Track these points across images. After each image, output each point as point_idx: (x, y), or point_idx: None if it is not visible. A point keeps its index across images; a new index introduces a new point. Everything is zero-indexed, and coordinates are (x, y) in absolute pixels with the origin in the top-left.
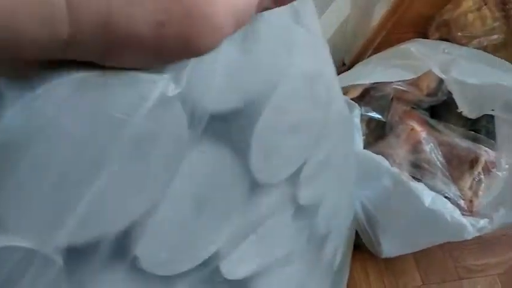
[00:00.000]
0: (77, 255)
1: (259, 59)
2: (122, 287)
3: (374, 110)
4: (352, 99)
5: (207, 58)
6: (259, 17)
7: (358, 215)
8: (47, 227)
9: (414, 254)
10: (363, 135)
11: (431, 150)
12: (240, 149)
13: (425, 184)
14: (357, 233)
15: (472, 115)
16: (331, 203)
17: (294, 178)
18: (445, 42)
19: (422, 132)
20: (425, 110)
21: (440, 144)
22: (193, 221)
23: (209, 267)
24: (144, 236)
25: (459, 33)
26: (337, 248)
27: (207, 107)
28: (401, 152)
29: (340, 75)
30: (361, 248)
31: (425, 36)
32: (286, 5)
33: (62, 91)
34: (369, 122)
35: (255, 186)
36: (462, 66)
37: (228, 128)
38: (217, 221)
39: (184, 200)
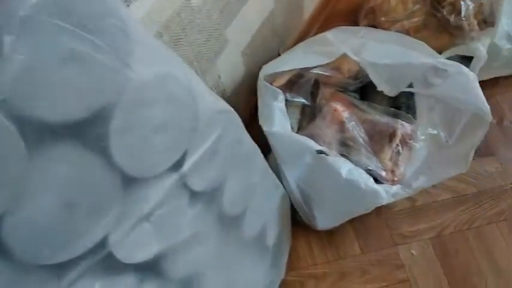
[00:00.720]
0: None
1: (95, 75)
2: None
3: (300, 95)
4: (278, 86)
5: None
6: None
7: (294, 193)
8: None
9: (353, 225)
10: (296, 120)
11: (353, 128)
12: (102, 151)
13: (352, 160)
14: (297, 210)
15: (391, 93)
16: (236, 185)
17: (178, 169)
18: (366, 28)
19: (344, 112)
20: (355, 92)
21: (363, 122)
22: (64, 215)
23: (100, 254)
24: (14, 229)
25: (383, 19)
26: (264, 225)
27: (43, 118)
28: (329, 131)
29: (264, 65)
30: (303, 224)
31: (356, 24)
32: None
33: None
34: (303, 108)
35: (130, 180)
36: (374, 49)
37: (84, 134)
38: (93, 214)
39: (49, 197)
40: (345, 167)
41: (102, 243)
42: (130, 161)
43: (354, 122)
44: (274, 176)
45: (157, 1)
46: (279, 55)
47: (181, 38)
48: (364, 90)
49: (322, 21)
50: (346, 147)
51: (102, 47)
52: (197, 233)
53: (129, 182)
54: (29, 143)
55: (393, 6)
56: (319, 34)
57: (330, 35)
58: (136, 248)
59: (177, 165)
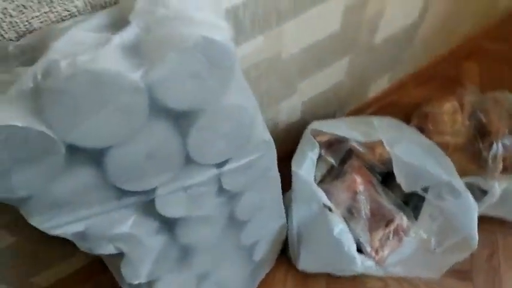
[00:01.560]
0: (74, 151)
1: (203, 91)
2: (93, 180)
3: (333, 156)
4: (318, 141)
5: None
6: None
7: (292, 230)
8: (66, 129)
9: (328, 280)
10: (321, 174)
11: (362, 202)
12: (184, 134)
13: (349, 226)
14: (288, 245)
15: (406, 189)
16: (252, 198)
17: (219, 167)
18: (410, 128)
19: (360, 186)
20: (379, 173)
21: (372, 200)
22: (143, 163)
23: (149, 197)
24: (113, 157)
25: (431, 127)
26: (258, 241)
27: (166, 103)
28: (342, 195)
29: (316, 120)
30: (288, 258)
31: (407, 119)
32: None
33: None
34: (331, 167)
35: (189, 161)
36: (407, 147)
37: (179, 120)
38: (157, 171)
39: (142, 146)
40: (338, 227)
41: (152, 191)
42: (198, 151)
43: (364, 197)
44: (283, 208)
45: (258, 47)
46: (333, 117)
47: (262, 77)
48: (386, 176)
49: (380, 106)
50: (349, 214)
51: (216, 77)
52: (211, 217)
53: (189, 161)
54: (151, 116)
55: (444, 120)
56: (370, 116)
57: (376, 121)
58: (169, 206)
59: (221, 165)
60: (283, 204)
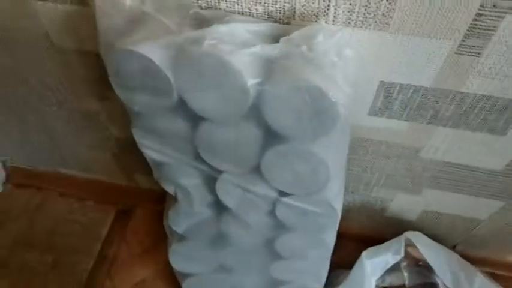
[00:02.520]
0: (183, 105)
1: (302, 127)
2: (184, 132)
3: (410, 275)
4: (409, 252)
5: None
6: None
7: None
8: (184, 85)
9: None
10: (390, 282)
11: None
12: (264, 148)
13: None
14: None
15: None
16: (295, 242)
17: (280, 195)
18: None
19: None
20: None
21: None
22: (222, 147)
23: (215, 174)
24: (204, 127)
25: None
26: (284, 283)
27: (263, 115)
28: None
29: (421, 235)
30: None
31: None
32: None
33: None
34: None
35: (258, 171)
36: None
37: (267, 134)
38: (230, 160)
39: (225, 136)
40: None
41: (219, 172)
42: (267, 169)
43: None
44: (323, 278)
45: (400, 131)
46: (452, 248)
47: (392, 159)
48: None
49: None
50: None
51: None
52: (253, 229)
53: (258, 171)
54: (248, 117)
55: None
56: (477, 271)
57: (479, 280)
58: (225, 192)
59: (282, 193)
60: (332, 277)
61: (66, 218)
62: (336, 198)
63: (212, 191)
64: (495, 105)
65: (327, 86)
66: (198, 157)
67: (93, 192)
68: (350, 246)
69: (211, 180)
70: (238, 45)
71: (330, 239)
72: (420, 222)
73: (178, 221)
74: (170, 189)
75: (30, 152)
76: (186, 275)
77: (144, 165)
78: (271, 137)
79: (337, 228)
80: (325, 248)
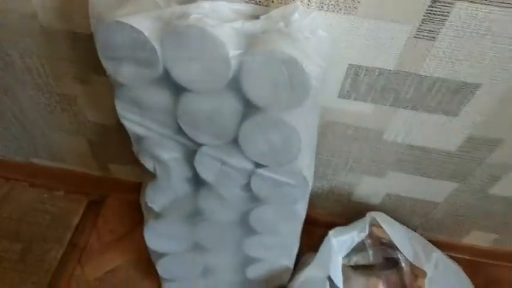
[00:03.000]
0: (167, 76)
1: (278, 97)
2: (166, 105)
3: (374, 252)
4: (373, 231)
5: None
6: None
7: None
8: (170, 57)
9: None
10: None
11: None
12: (242, 119)
13: None
14: None
15: None
16: (268, 215)
17: (256, 166)
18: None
19: None
20: None
21: None
22: (203, 119)
23: (195, 147)
24: (186, 98)
25: None
26: (257, 260)
27: (242, 87)
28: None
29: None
30: None
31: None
32: None
33: None
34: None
35: (236, 143)
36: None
37: (245, 106)
38: (209, 132)
39: (206, 107)
40: None
41: (199, 145)
42: (245, 140)
43: None
44: (294, 255)
45: (365, 113)
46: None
47: (358, 142)
48: None
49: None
50: None
51: None
52: (229, 203)
53: (236, 143)
54: (228, 88)
55: None
56: (434, 248)
57: (436, 255)
58: (203, 166)
59: (258, 165)
60: (302, 261)
61: (36, 207)
62: (307, 169)
63: (191, 165)
64: (449, 87)
65: (301, 58)
66: (178, 130)
67: (65, 183)
68: (318, 232)
69: (190, 154)
70: (222, 21)
71: (302, 210)
72: (383, 206)
73: (155, 198)
74: (149, 164)
75: (1, 142)
76: (161, 255)
77: (118, 154)
78: (248, 108)
79: (307, 200)
80: (297, 220)
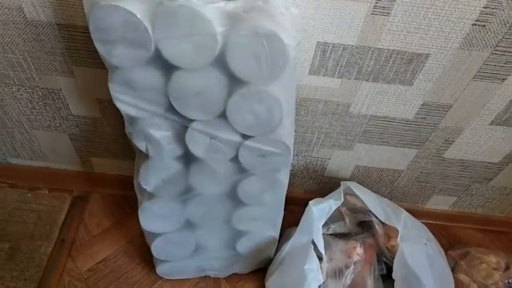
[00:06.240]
0: (158, 56)
1: (261, 69)
2: (157, 83)
3: (350, 219)
4: (348, 199)
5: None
6: None
7: (280, 253)
8: (161, 36)
9: None
10: (334, 228)
11: (349, 271)
12: (229, 93)
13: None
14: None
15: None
16: (255, 185)
17: (244, 138)
18: (436, 242)
19: (357, 256)
20: (385, 265)
21: (360, 277)
22: (193, 95)
23: (186, 123)
24: (177, 76)
25: (464, 264)
26: (245, 233)
27: (227, 62)
28: (337, 255)
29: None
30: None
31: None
32: None
33: None
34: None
35: (224, 117)
36: (416, 251)
37: (232, 80)
38: (199, 108)
39: (196, 84)
40: (312, 264)
41: (189, 121)
42: (232, 113)
43: (354, 268)
44: (279, 225)
45: (334, 88)
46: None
47: (328, 116)
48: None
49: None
50: (333, 273)
51: None
52: (218, 175)
53: (224, 117)
54: (215, 64)
55: (480, 268)
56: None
57: (405, 216)
58: (194, 141)
59: (245, 137)
60: (285, 235)
61: (20, 207)
62: (288, 137)
63: (181, 144)
64: (403, 58)
65: (280, 31)
66: (170, 108)
67: (48, 181)
68: (297, 210)
69: (181, 132)
70: (207, 2)
71: (284, 178)
72: (354, 178)
73: (148, 178)
74: (142, 145)
75: None
76: (155, 236)
77: (101, 147)
78: (234, 83)
79: (289, 169)
80: (280, 189)
